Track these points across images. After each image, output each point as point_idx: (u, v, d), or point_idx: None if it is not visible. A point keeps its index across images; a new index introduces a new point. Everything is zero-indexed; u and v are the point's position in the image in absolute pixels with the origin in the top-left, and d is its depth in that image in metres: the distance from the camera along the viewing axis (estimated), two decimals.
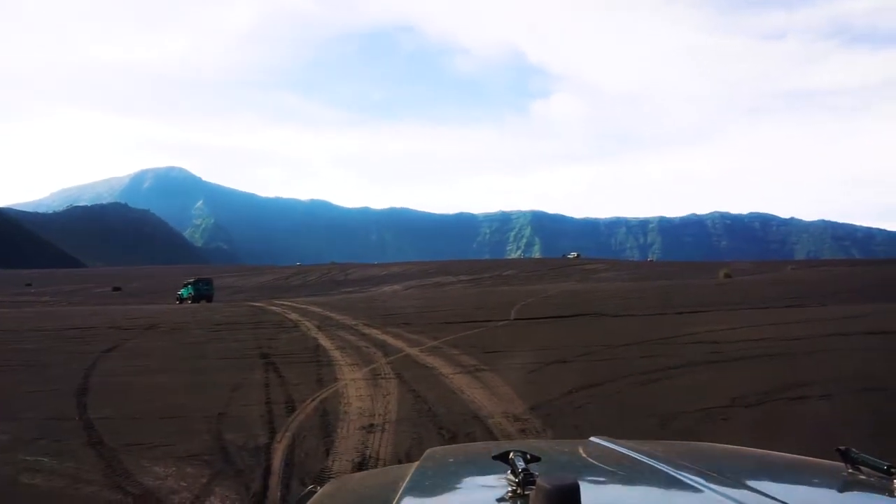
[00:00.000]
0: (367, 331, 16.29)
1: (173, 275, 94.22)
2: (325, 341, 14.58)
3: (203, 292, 40.49)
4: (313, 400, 8.35)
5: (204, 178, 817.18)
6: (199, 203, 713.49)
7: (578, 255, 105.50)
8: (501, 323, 17.98)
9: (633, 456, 1.53)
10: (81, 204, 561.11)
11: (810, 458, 1.59)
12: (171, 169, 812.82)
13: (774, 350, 11.29)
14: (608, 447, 1.66)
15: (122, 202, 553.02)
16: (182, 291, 42.19)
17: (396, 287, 58.13)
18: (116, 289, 69.48)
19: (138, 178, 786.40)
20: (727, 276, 47.29)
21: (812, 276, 39.07)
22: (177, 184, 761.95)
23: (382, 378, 9.86)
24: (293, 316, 21.34)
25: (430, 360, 11.43)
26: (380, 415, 7.50)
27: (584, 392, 8.34)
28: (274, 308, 26.03)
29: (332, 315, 21.44)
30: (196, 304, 35.71)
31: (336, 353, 12.60)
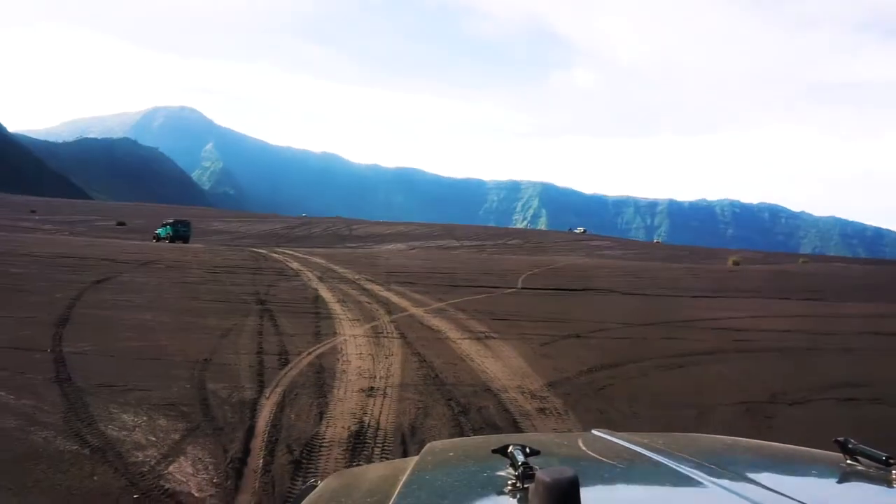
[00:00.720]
0: (369, 286, 15.56)
1: (180, 215, 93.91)
2: (325, 293, 13.87)
3: (180, 233, 41.42)
4: (309, 354, 7.61)
5: (216, 122, 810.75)
6: (209, 146, 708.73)
7: (585, 231, 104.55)
8: (509, 291, 17.24)
9: (632, 449, 1.52)
10: (91, 136, 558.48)
11: (809, 449, 1.58)
12: (184, 109, 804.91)
13: (805, 343, 10.51)
14: (608, 440, 1.66)
15: (133, 138, 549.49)
16: (160, 231, 42.91)
17: (400, 246, 57.42)
18: (121, 223, 69.33)
19: (150, 115, 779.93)
20: (736, 263, 46.44)
21: (824, 271, 38.09)
22: (188, 124, 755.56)
23: (385, 337, 9.12)
24: (294, 265, 20.64)
25: (436, 323, 10.69)
26: (381, 377, 6.76)
27: (604, 372, 7.58)
28: (276, 256, 25.35)
29: (335, 267, 20.75)
30: (187, 245, 35.46)
31: (336, 307, 11.87)
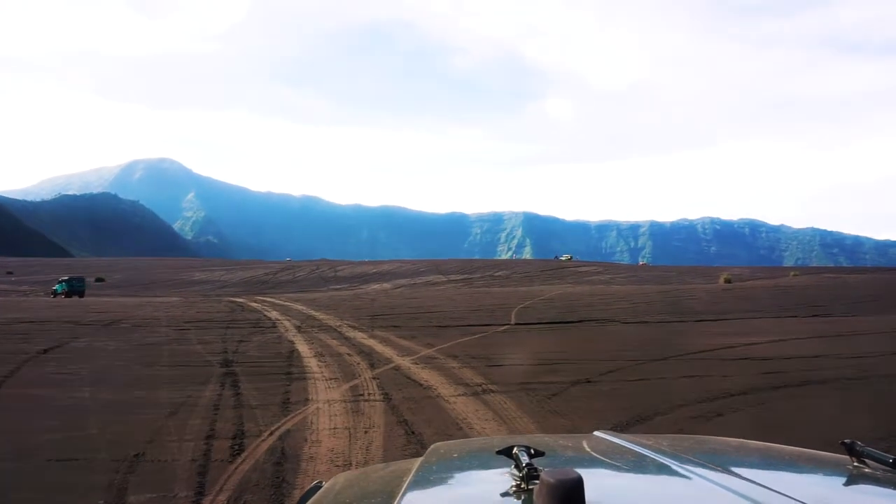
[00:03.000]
0: (351, 334, 14.20)
1: (159, 267, 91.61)
2: (302, 346, 12.48)
3: (75, 288, 43.48)
4: (272, 434, 6.23)
5: (196, 171, 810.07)
6: (191, 195, 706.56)
7: (571, 258, 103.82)
8: (502, 328, 15.96)
9: (637, 450, 1.51)
10: (71, 193, 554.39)
11: (816, 452, 1.55)
12: (163, 160, 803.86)
13: (852, 371, 9.28)
14: (612, 441, 1.64)
15: (113, 192, 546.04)
16: (57, 287, 45.10)
17: (386, 285, 55.94)
18: (99, 279, 67.61)
19: (129, 169, 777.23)
20: (728, 281, 45.57)
21: (819, 283, 37.25)
22: (168, 175, 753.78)
23: (365, 401, 7.75)
24: (273, 314, 19.23)
25: (425, 376, 9.34)
26: (358, 462, 5.39)
27: (635, 431, 6.27)
28: (254, 305, 23.89)
29: (316, 314, 19.35)
30: (160, 299, 34.52)
31: (313, 363, 10.49)
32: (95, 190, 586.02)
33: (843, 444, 1.39)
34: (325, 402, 7.61)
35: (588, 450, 1.64)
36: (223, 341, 13.30)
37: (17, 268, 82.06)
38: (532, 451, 1.29)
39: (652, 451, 1.47)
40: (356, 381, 8.96)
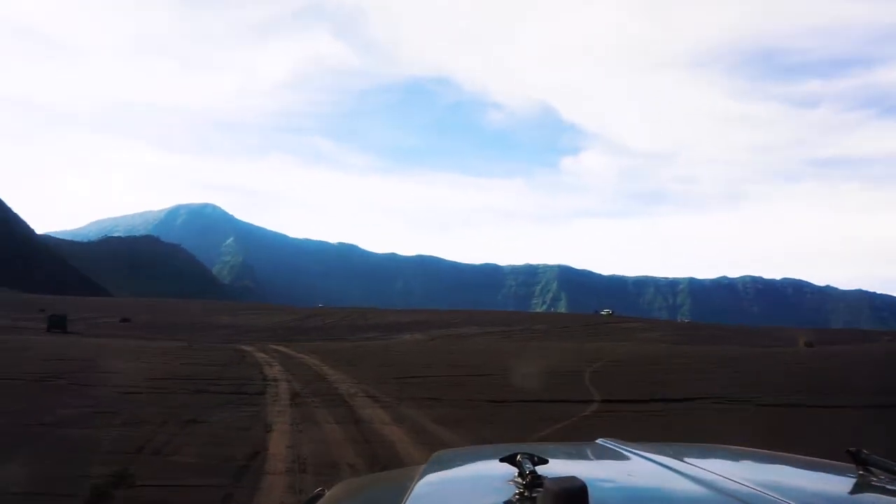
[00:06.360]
0: (367, 411, 10.26)
1: (191, 310, 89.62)
2: (282, 438, 8.38)
3: (56, 323, 46.93)
4: None
5: (236, 216, 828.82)
6: (230, 240, 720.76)
7: (612, 313, 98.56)
8: (587, 409, 11.44)
9: (641, 458, 1.49)
10: (117, 234, 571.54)
11: (821, 460, 1.54)
12: (206, 206, 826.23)
13: None
14: (616, 449, 1.62)
15: (156, 235, 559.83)
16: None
17: (419, 336, 52.14)
18: (124, 320, 66.41)
19: (173, 213, 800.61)
20: (809, 345, 40.10)
21: None
22: (209, 220, 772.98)
23: None
24: (273, 371, 15.58)
25: None
26: None
27: None
28: (260, 356, 20.36)
29: (329, 373, 15.64)
30: (176, 346, 31.93)
31: (276, 484, 6.46)
32: (140, 232, 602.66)
33: (849, 452, 1.36)
34: None
35: (591, 457, 1.63)
36: (163, 422, 9.21)
37: (51, 305, 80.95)
38: (535, 459, 1.25)
39: (655, 458, 1.44)
40: None
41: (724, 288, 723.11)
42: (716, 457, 1.64)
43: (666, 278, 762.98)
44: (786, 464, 1.59)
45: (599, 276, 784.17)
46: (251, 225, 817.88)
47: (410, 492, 1.27)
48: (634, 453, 1.52)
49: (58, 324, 47.07)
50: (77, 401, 10.31)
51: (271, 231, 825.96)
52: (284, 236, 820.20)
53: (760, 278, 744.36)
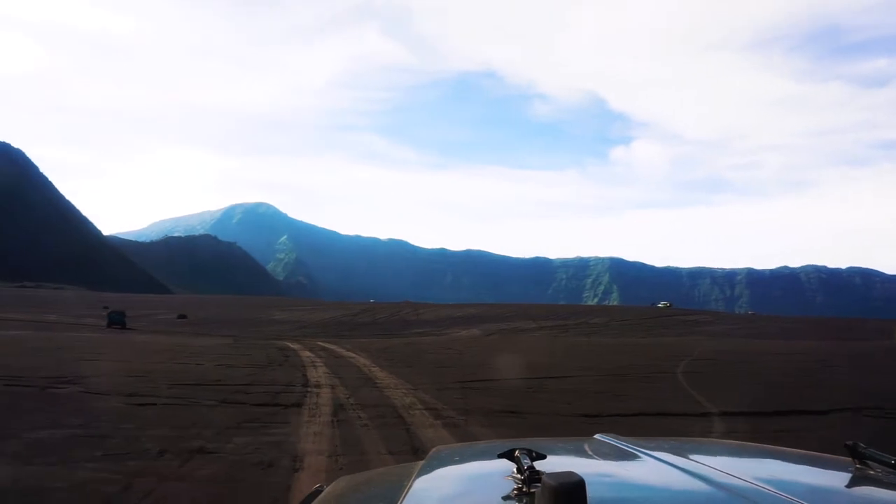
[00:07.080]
0: (429, 432, 8.27)
1: (246, 306, 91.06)
2: (314, 479, 5.87)
3: (115, 320, 47.85)
4: None
5: (290, 215, 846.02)
6: (284, 238, 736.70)
7: (670, 305, 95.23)
8: (711, 425, 9.26)
9: (639, 453, 1.49)
10: (176, 234, 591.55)
11: (818, 454, 1.53)
12: (260, 205, 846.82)
13: None
14: (614, 444, 1.63)
15: (213, 234, 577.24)
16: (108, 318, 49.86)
17: (474, 331, 51.03)
18: (181, 316, 68.03)
19: (229, 213, 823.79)
20: None
21: None
22: (264, 219, 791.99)
23: None
24: (316, 374, 14.32)
25: None
26: None
27: None
28: (306, 355, 19.45)
29: (379, 376, 14.32)
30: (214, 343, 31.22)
31: None
32: (198, 232, 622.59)
33: (846, 445, 1.36)
34: None
35: (590, 453, 1.61)
36: (159, 453, 6.72)
37: (114, 303, 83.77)
38: (533, 454, 1.26)
39: (654, 453, 1.45)
40: None
41: (784, 278, 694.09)
42: (714, 451, 1.66)
43: (722, 269, 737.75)
44: (783, 458, 1.59)
45: (652, 267, 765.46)
46: (304, 223, 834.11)
47: (409, 488, 1.27)
48: (633, 448, 1.52)
49: (117, 320, 47.78)
50: (69, 418, 8.49)
51: (323, 228, 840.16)
52: (336, 233, 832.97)
53: (825, 267, 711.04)
